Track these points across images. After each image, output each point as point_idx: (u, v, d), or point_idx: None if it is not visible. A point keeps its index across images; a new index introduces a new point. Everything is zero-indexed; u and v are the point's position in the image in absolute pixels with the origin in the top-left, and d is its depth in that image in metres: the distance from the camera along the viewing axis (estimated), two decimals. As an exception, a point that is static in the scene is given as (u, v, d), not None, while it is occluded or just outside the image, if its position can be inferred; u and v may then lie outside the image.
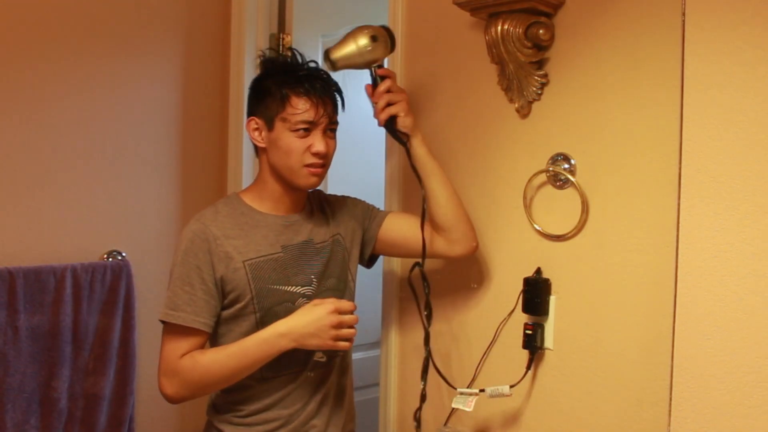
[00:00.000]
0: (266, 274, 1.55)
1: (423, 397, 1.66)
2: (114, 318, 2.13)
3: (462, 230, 1.65)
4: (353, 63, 1.62)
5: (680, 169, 1.35)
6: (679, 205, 1.35)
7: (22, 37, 2.02)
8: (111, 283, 2.14)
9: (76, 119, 2.13)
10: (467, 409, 1.65)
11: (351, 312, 1.51)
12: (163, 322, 1.52)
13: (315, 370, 1.62)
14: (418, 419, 1.66)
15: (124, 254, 2.21)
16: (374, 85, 1.63)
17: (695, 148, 1.34)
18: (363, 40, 1.60)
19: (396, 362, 1.95)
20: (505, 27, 1.57)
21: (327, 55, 1.63)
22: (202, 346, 1.53)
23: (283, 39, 2.43)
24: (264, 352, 1.48)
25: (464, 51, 1.79)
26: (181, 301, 1.50)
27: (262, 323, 1.53)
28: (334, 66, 1.62)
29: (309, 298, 1.58)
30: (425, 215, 1.65)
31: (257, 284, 1.54)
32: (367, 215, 1.74)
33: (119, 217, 2.23)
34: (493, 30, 1.60)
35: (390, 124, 1.62)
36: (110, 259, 2.18)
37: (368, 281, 1.89)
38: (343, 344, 1.51)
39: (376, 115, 1.63)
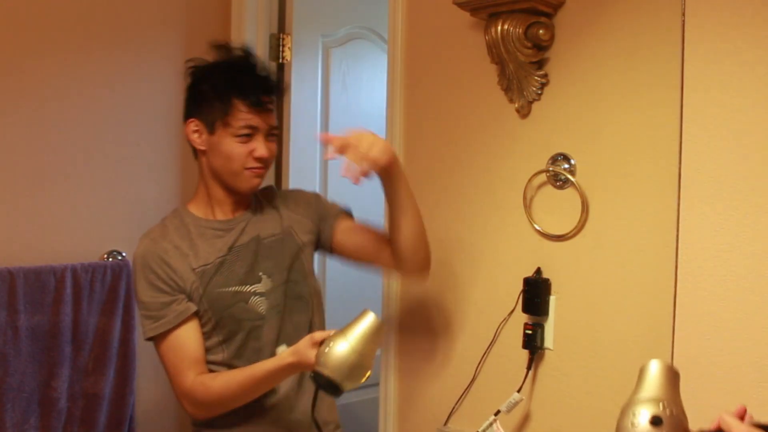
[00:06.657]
0: (212, 279, 1.55)
1: None
2: (114, 318, 2.13)
3: (420, 259, 1.61)
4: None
5: (680, 169, 1.35)
6: (679, 205, 1.35)
7: (21, 38, 2.02)
8: (111, 283, 2.14)
9: (76, 119, 2.13)
10: None
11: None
12: (152, 338, 1.53)
13: None
14: None
15: (124, 254, 2.21)
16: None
17: (695, 148, 1.34)
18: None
19: (396, 362, 1.95)
20: (505, 27, 1.57)
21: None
22: (199, 330, 1.53)
23: (283, 39, 2.43)
24: (274, 376, 1.48)
25: (464, 51, 1.79)
26: (158, 309, 1.51)
27: (220, 327, 1.55)
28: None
29: (261, 295, 1.57)
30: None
31: (206, 291, 1.54)
32: (323, 214, 1.69)
33: (119, 217, 2.23)
34: (493, 30, 1.60)
35: None
36: (110, 259, 2.18)
37: (368, 281, 1.90)
38: None
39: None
